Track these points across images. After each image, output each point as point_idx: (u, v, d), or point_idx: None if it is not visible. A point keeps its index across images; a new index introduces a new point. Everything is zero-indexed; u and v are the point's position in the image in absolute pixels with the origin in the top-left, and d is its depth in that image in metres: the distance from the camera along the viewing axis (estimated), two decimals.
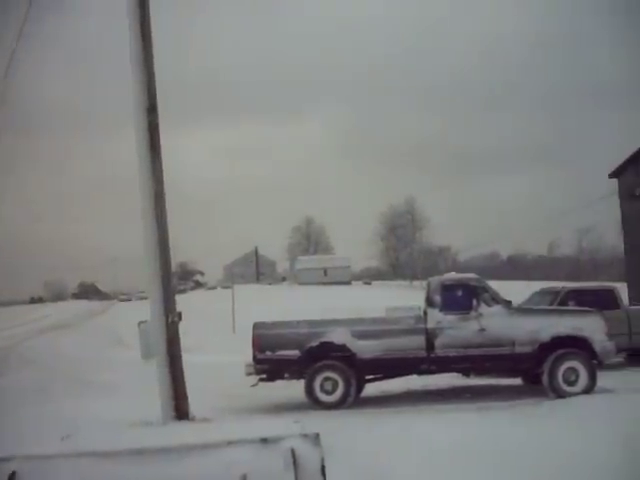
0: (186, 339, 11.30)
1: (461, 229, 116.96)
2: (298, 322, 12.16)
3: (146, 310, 10.02)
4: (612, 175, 28.26)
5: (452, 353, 11.61)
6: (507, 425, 9.22)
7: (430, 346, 11.62)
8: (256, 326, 12.01)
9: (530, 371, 11.97)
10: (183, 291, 68.65)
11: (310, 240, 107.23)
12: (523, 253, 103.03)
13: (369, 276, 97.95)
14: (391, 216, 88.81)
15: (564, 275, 73.16)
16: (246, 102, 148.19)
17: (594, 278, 68.59)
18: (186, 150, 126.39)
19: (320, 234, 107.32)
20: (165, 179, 9.59)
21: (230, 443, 5.20)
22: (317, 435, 6.26)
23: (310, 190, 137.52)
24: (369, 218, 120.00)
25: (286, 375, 12.01)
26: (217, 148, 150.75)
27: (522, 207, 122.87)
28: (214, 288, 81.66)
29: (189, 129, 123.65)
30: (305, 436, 6.12)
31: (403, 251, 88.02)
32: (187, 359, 10.10)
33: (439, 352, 11.61)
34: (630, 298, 25.45)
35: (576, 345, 11.62)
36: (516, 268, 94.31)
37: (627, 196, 27.38)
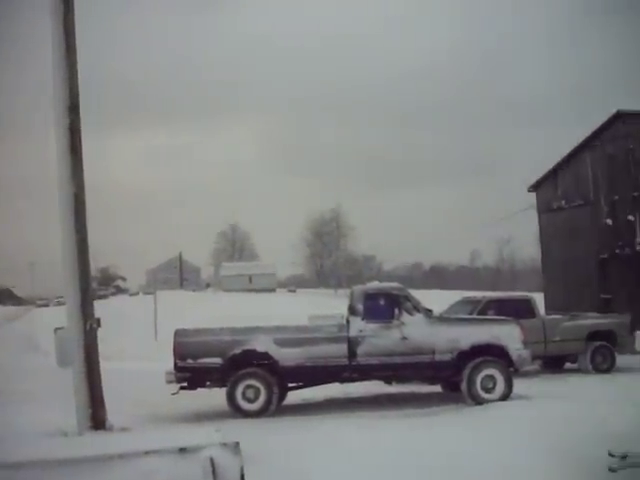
0: (106, 346, 11.03)
1: (386, 239, 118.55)
2: (220, 329, 12.04)
3: (64, 316, 9.72)
4: (531, 189, 29.23)
5: (374, 361, 11.71)
6: (426, 431, 9.40)
7: (352, 354, 11.69)
8: (177, 333, 11.82)
9: (450, 378, 12.19)
10: (104, 297, 67.23)
11: (235, 246, 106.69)
12: (445, 263, 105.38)
13: (294, 284, 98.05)
14: (317, 224, 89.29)
15: (485, 285, 75.15)
16: (173, 105, 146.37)
17: (513, 288, 70.73)
18: (109, 152, 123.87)
19: (245, 240, 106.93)
20: (86, 181, 9.31)
21: (147, 453, 5.10)
22: (237, 444, 6.21)
23: (236, 196, 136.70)
24: (295, 225, 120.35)
25: (208, 383, 11.86)
26: (142, 150, 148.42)
27: (445, 218, 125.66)
28: (136, 294, 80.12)
29: (113, 130, 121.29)
30: (224, 445, 6.06)
31: (328, 259, 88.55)
32: (106, 367, 9.84)
33: (361, 360, 11.70)
34: (546, 307, 26.36)
35: (494, 353, 11.91)
36: (439, 278, 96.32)
37: (545, 209, 28.37)
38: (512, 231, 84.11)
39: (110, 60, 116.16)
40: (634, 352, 17.30)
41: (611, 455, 5.85)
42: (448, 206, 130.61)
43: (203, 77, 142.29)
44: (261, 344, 11.61)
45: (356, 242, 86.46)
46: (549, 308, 26.01)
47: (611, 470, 5.83)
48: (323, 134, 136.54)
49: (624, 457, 5.83)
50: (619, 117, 24.46)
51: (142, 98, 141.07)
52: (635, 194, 23.64)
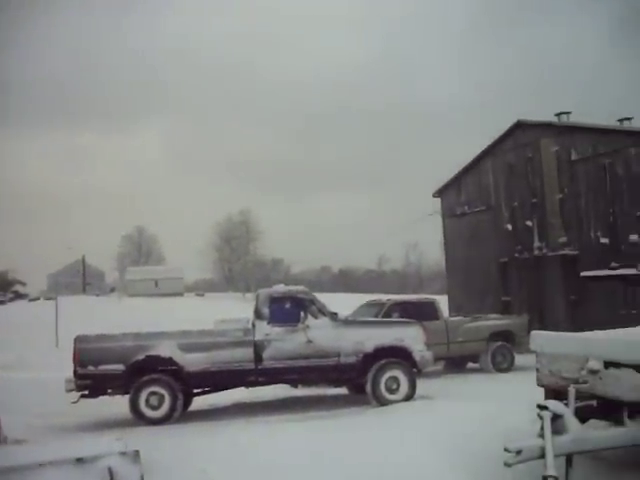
0: (3, 355, 10.58)
1: (295, 242, 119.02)
2: (123, 335, 11.72)
3: None
4: (436, 195, 29.95)
5: (280, 365, 11.70)
6: (330, 433, 9.46)
7: (258, 358, 11.65)
8: (78, 339, 11.44)
9: (355, 380, 12.30)
10: (1, 302, 64.37)
11: (141, 250, 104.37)
12: (354, 267, 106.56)
13: (202, 288, 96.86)
14: (226, 227, 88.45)
15: (392, 288, 76.48)
16: (79, 106, 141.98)
17: (420, 291, 72.39)
18: (7, 152, 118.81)
19: (152, 244, 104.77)
20: None
21: (42, 465, 4.91)
22: (136, 452, 6.08)
23: (143, 198, 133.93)
24: (203, 229, 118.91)
25: (110, 391, 11.54)
26: (45, 152, 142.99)
27: (353, 223, 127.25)
28: (37, 299, 76.94)
29: (10, 130, 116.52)
30: (124, 454, 5.92)
31: (237, 263, 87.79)
32: (4, 376, 9.45)
33: (267, 364, 11.67)
34: (450, 309, 27.10)
35: (397, 355, 12.14)
36: (347, 281, 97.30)
37: (449, 214, 29.16)
38: (419, 236, 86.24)
39: (10, 60, 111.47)
40: (530, 351, 17.98)
41: (507, 450, 6.02)
42: (357, 211, 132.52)
43: (112, 77, 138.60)
44: (165, 349, 11.39)
45: (265, 246, 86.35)
46: (453, 310, 26.77)
47: (506, 465, 6.00)
48: (233, 138, 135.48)
49: (519, 452, 6.01)
50: (519, 127, 25.44)
51: (43, 97, 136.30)
52: (533, 201, 24.64)
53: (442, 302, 28.01)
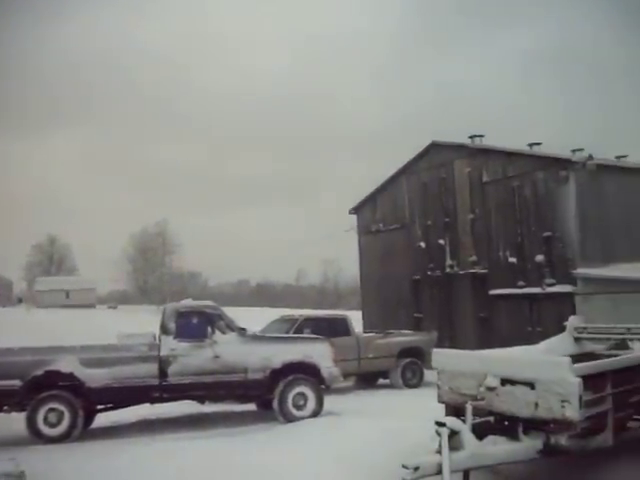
0: None
1: (213, 256, 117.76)
2: (21, 349, 11.23)
3: None
4: (352, 211, 30.21)
5: (186, 380, 11.46)
6: (237, 450, 9.35)
7: (163, 374, 11.38)
8: None
9: (263, 397, 12.20)
10: None
11: (52, 260, 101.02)
12: (272, 281, 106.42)
13: (116, 299, 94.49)
14: (141, 238, 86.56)
15: (310, 303, 76.73)
16: None
17: (337, 306, 72.88)
18: None
19: (64, 253, 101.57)
20: None
21: None
22: (22, 473, 5.80)
23: (55, 207, 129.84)
24: (119, 239, 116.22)
25: (5, 407, 11.01)
26: None
27: (272, 238, 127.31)
28: None
29: None
30: (8, 475, 5.63)
31: (152, 275, 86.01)
32: None
33: (172, 380, 11.41)
34: (364, 326, 27.32)
35: (305, 371, 12.11)
36: (265, 295, 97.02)
37: (364, 231, 29.45)
38: (336, 252, 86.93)
39: None
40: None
41: (404, 467, 6.06)
42: (276, 226, 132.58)
43: (29, 89, 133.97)
44: (66, 364, 10.97)
45: (182, 259, 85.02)
46: (367, 326, 26.98)
47: None
48: (152, 150, 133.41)
49: (417, 468, 6.06)
50: (433, 147, 25.99)
51: None
52: (446, 220, 25.14)
53: (358, 318, 28.42)
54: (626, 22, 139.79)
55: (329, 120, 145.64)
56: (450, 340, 23.18)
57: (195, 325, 11.70)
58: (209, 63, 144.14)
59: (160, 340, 11.66)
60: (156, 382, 11.35)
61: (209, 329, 11.71)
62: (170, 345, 11.52)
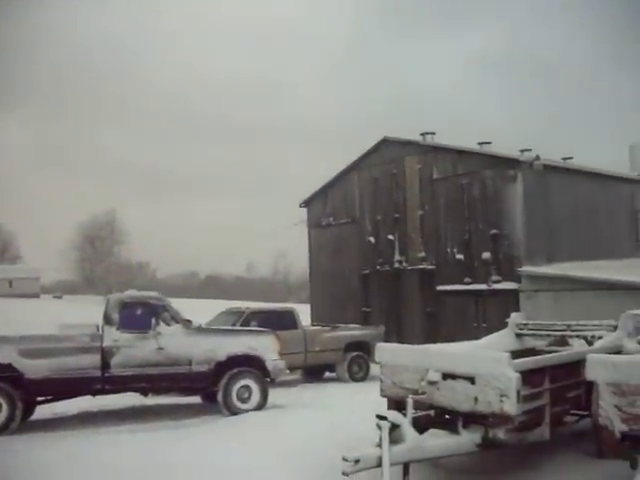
0: None
1: (162, 247, 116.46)
2: None
3: None
4: (303, 205, 30.21)
5: (129, 372, 11.28)
6: (179, 443, 9.26)
7: (106, 365, 11.19)
8: None
9: (207, 389, 12.12)
10: None
11: None
12: (222, 273, 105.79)
13: (61, 289, 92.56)
14: (90, 227, 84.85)
15: (260, 295, 76.53)
16: None
17: (287, 299, 72.88)
18: None
19: (8, 241, 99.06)
20: None
21: None
22: None
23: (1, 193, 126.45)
24: (66, 228, 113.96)
25: None
26: None
27: (223, 229, 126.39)
28: None
29: None
30: None
31: (100, 265, 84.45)
32: None
33: (115, 371, 11.23)
34: (313, 319, 27.36)
35: (250, 364, 12.08)
36: (215, 287, 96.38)
37: (314, 225, 29.49)
38: (287, 245, 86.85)
39: None
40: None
41: (345, 460, 6.08)
42: (227, 218, 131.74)
43: None
44: (3, 355, 10.65)
45: (131, 249, 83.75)
46: (315, 320, 27.02)
47: (344, 474, 6.06)
48: (104, 138, 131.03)
49: (357, 461, 6.08)
50: (385, 143, 26.14)
51: None
52: (396, 215, 25.34)
53: (307, 311, 28.46)
54: (573, 23, 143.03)
55: (282, 114, 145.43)
56: (397, 334, 23.44)
57: (139, 316, 11.52)
58: (161, 51, 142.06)
59: (103, 331, 11.44)
60: (98, 374, 11.15)
61: (153, 320, 11.54)
62: (113, 336, 11.33)
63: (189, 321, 12.05)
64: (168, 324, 11.65)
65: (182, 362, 11.60)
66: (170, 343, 11.53)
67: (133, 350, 11.36)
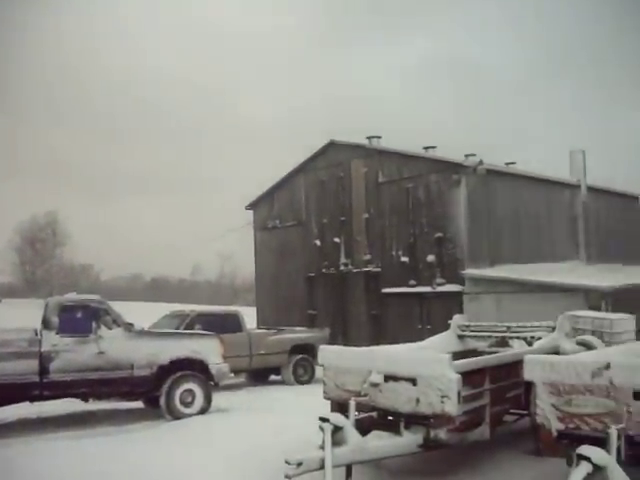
0: None
1: (106, 249, 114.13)
2: None
3: None
4: (249, 207, 30.08)
5: (68, 377, 10.99)
6: (119, 449, 9.10)
7: (44, 370, 10.89)
8: None
9: (150, 394, 11.93)
10: None
11: None
12: (167, 276, 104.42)
13: (0, 292, 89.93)
14: (29, 228, 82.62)
15: (206, 298, 75.87)
16: None
17: (233, 302, 72.38)
18: None
19: None
20: None
21: None
22: None
23: None
24: (4, 228, 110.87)
25: None
26: None
27: (168, 231, 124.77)
28: None
29: None
30: None
31: (41, 267, 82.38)
32: None
33: (54, 377, 10.93)
34: (259, 322, 27.24)
35: (193, 367, 11.96)
36: (160, 290, 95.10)
37: (260, 227, 29.39)
38: (233, 247, 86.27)
39: None
40: None
41: (287, 463, 6.07)
42: (173, 220, 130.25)
43: None
44: None
45: (73, 251, 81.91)
46: (261, 323, 26.91)
47: (287, 477, 6.05)
48: (43, 135, 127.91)
49: (299, 464, 6.08)
50: (332, 146, 26.22)
51: None
52: (342, 218, 25.43)
53: (253, 314, 28.33)
54: (523, 31, 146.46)
55: (230, 117, 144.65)
56: (343, 337, 23.53)
57: (79, 320, 11.25)
58: (110, 49, 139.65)
59: (41, 335, 11.12)
60: (36, 379, 10.84)
61: (94, 324, 11.29)
62: (52, 340, 11.04)
63: (131, 324, 11.84)
64: (109, 328, 11.42)
65: (123, 366, 11.40)
66: (111, 347, 11.31)
67: (73, 355, 11.09)
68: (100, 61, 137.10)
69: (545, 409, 6.18)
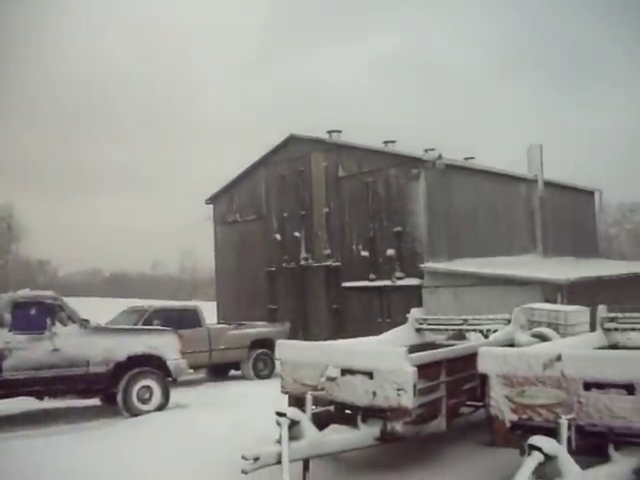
0: None
1: (64, 243, 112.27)
2: None
3: None
4: (209, 201, 29.90)
5: (22, 376, 10.75)
6: (77, 447, 8.97)
7: None
8: None
9: (106, 391, 11.78)
10: None
11: None
12: (126, 271, 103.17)
13: None
14: None
15: (166, 293, 75.26)
16: None
17: (194, 297, 71.98)
18: None
19: None
20: None
21: None
22: None
23: None
24: None
25: None
26: None
27: (128, 225, 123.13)
28: None
29: None
30: None
31: None
32: None
33: (7, 375, 10.67)
34: (219, 317, 27.14)
35: (151, 363, 11.85)
36: (120, 285, 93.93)
37: (220, 222, 29.24)
38: (194, 241, 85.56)
39: None
40: None
41: (244, 458, 6.05)
42: (132, 214, 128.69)
43: None
44: None
45: (30, 245, 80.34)
46: (221, 317, 26.84)
47: (243, 472, 6.04)
48: (13, 139, 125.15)
49: (256, 459, 6.06)
50: (292, 140, 26.17)
51: None
52: (302, 213, 25.43)
53: (214, 309, 28.20)
54: (477, 26, 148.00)
55: (188, 112, 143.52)
56: (304, 331, 23.56)
57: (33, 316, 11.02)
58: (69, 48, 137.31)
59: None
60: None
61: (48, 321, 11.06)
62: (5, 338, 10.78)
63: (87, 321, 11.66)
64: (64, 324, 11.22)
65: (79, 363, 11.21)
66: (66, 344, 11.10)
67: (27, 352, 10.86)
68: (62, 60, 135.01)
69: (499, 401, 6.26)
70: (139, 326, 14.67)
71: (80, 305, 12.09)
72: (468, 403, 8.48)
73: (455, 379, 7.65)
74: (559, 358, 5.89)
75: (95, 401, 12.72)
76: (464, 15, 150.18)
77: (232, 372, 18.15)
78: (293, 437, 6.39)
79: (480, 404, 8.30)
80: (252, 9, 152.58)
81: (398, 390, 6.66)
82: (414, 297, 20.50)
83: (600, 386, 5.66)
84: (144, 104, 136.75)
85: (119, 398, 11.49)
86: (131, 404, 11.52)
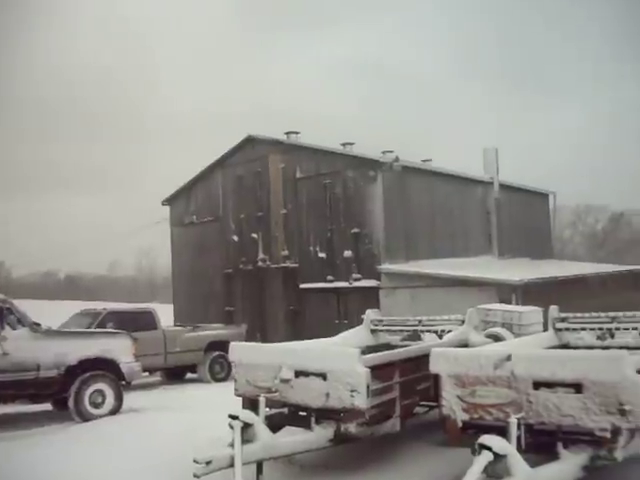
0: None
1: (17, 244, 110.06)
2: None
3: None
4: (165, 202, 29.59)
5: None
6: (26, 453, 8.78)
7: None
8: None
9: (58, 395, 11.56)
10: None
11: None
12: (82, 272, 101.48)
13: None
14: None
15: (124, 295, 74.25)
16: None
17: (152, 299, 71.11)
18: None
19: None
20: None
21: None
22: None
23: None
24: None
25: None
26: None
27: (84, 226, 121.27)
28: None
29: None
30: None
31: None
32: None
33: None
34: (175, 319, 26.87)
35: (103, 367, 11.67)
36: (75, 287, 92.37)
37: (177, 223, 28.97)
38: (152, 242, 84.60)
39: None
40: None
41: (196, 462, 5.99)
42: (88, 214, 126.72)
43: None
44: None
45: None
46: (178, 320, 26.55)
47: (195, 476, 5.97)
48: None
49: (209, 462, 6.01)
50: (250, 141, 26.03)
51: None
52: (259, 214, 25.33)
53: (171, 311, 27.90)
54: (435, 30, 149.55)
55: (147, 111, 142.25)
56: (261, 333, 23.47)
57: None
58: (37, 46, 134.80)
59: None
60: None
61: None
62: None
63: (37, 324, 11.41)
64: (13, 328, 10.96)
65: (29, 368, 10.97)
66: (16, 348, 10.84)
67: None
68: (29, 59, 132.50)
69: (450, 401, 6.31)
70: (91, 329, 14.44)
71: (33, 308, 11.83)
72: (422, 403, 8.53)
73: (409, 379, 7.67)
74: (509, 358, 5.95)
75: (47, 406, 12.48)
76: (419, 18, 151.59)
77: (188, 375, 18.01)
78: (246, 440, 6.35)
79: (434, 404, 8.36)
80: (208, 11, 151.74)
81: (351, 391, 6.65)
82: (371, 298, 20.56)
83: (549, 385, 5.73)
84: (101, 104, 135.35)
85: (71, 403, 11.28)
86: (83, 408, 11.31)
